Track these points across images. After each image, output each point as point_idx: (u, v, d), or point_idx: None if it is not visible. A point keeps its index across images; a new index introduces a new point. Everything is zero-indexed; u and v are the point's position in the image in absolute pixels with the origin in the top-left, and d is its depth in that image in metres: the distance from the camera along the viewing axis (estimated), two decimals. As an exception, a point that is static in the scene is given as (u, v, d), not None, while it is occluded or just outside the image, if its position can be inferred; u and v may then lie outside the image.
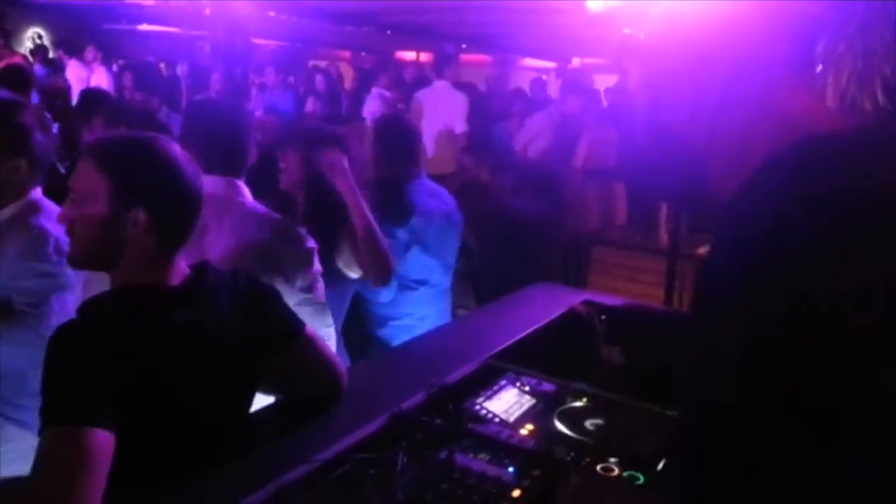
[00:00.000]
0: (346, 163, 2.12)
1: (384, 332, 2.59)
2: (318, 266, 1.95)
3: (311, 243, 1.94)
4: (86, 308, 1.24)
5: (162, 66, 8.20)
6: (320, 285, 1.95)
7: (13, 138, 1.81)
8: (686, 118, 0.74)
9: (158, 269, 1.29)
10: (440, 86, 5.70)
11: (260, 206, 1.96)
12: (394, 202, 2.59)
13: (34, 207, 1.84)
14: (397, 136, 2.73)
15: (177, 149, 1.32)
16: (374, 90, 6.24)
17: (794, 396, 0.56)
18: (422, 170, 2.78)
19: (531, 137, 5.27)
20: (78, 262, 1.33)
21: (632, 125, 0.81)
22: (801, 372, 0.56)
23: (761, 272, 0.59)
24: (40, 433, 1.08)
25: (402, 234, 2.56)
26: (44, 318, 1.74)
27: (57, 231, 1.81)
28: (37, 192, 1.88)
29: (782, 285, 0.58)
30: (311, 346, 1.50)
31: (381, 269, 2.19)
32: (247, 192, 1.96)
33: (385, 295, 2.49)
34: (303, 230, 1.96)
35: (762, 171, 0.68)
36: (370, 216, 2.15)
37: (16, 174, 1.81)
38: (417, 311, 2.66)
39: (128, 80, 4.50)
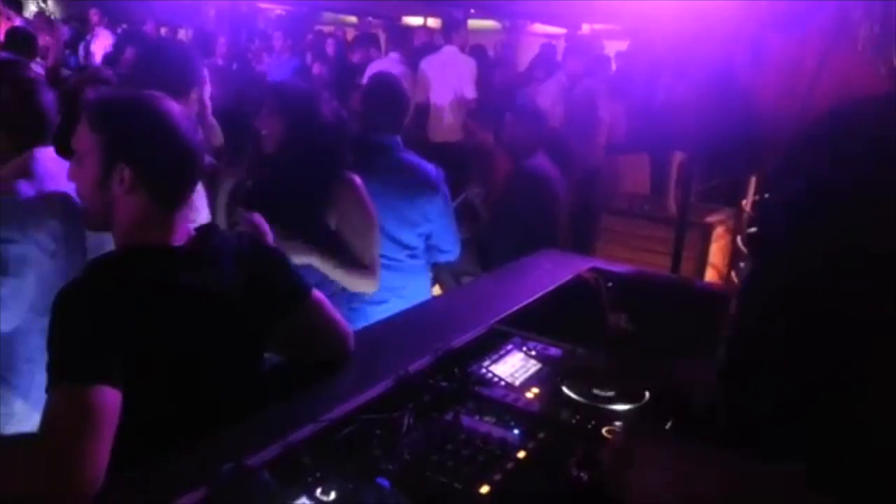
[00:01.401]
0: (266, 227, 1.92)
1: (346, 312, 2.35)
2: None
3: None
4: (91, 267, 1.24)
5: (163, 30, 8.14)
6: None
7: None
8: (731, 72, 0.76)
9: (158, 229, 1.28)
10: (448, 51, 5.62)
11: None
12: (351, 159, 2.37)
13: (24, 170, 1.74)
14: (382, 100, 2.56)
15: (174, 107, 1.30)
16: (392, 55, 6.11)
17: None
18: (398, 139, 2.54)
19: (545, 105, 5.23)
20: (87, 223, 1.36)
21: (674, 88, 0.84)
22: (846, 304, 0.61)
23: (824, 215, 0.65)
24: (47, 391, 1.09)
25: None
26: (5, 286, 1.61)
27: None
28: (39, 154, 1.79)
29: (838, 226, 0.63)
30: (317, 309, 1.50)
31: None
32: None
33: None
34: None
35: (820, 126, 0.71)
36: (315, 253, 2.06)
37: None
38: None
39: (130, 54, 4.48)
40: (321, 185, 2.11)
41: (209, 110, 2.11)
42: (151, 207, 1.28)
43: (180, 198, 1.31)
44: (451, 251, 2.65)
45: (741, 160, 0.88)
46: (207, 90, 2.10)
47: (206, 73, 2.14)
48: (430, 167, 2.57)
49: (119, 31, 7.91)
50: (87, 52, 6.95)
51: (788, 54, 0.74)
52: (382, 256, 2.38)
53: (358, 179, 2.19)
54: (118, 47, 4.96)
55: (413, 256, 2.56)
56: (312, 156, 2.12)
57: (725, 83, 0.78)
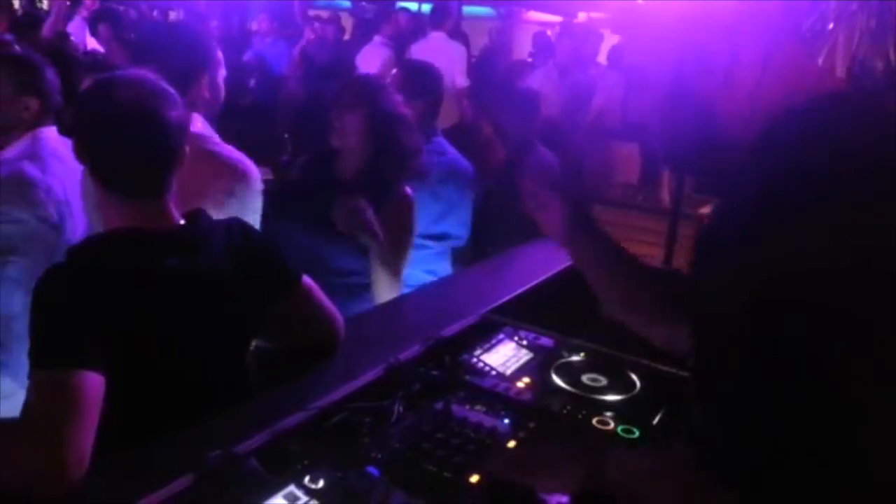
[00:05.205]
0: (370, 214, 1.94)
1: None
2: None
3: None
4: (73, 251, 1.22)
5: (155, 13, 8.07)
6: None
7: (25, 75, 1.85)
8: (709, 73, 0.74)
9: (135, 214, 1.23)
10: (435, 38, 5.53)
11: (215, 144, 1.83)
12: None
13: (32, 151, 1.82)
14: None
15: (132, 91, 1.22)
16: (377, 38, 6.04)
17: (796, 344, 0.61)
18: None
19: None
20: None
21: (646, 86, 0.81)
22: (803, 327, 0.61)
23: (772, 231, 0.63)
24: (29, 376, 1.07)
25: None
26: (17, 265, 1.69)
27: (52, 179, 1.77)
28: (45, 132, 1.87)
29: (788, 242, 0.61)
30: (308, 296, 1.48)
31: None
32: (201, 125, 1.81)
33: None
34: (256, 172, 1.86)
35: (778, 128, 0.68)
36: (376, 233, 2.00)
37: (27, 113, 1.83)
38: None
39: (104, 32, 4.42)
40: (383, 191, 2.04)
41: (221, 96, 1.95)
42: (106, 192, 1.25)
43: (137, 183, 1.25)
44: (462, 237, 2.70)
45: (701, 166, 0.87)
46: (222, 73, 1.94)
47: (220, 55, 1.96)
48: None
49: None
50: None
51: (735, 58, 0.72)
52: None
53: (410, 192, 2.12)
54: (91, 24, 4.82)
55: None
56: (391, 157, 2.05)
57: (680, 89, 0.77)
